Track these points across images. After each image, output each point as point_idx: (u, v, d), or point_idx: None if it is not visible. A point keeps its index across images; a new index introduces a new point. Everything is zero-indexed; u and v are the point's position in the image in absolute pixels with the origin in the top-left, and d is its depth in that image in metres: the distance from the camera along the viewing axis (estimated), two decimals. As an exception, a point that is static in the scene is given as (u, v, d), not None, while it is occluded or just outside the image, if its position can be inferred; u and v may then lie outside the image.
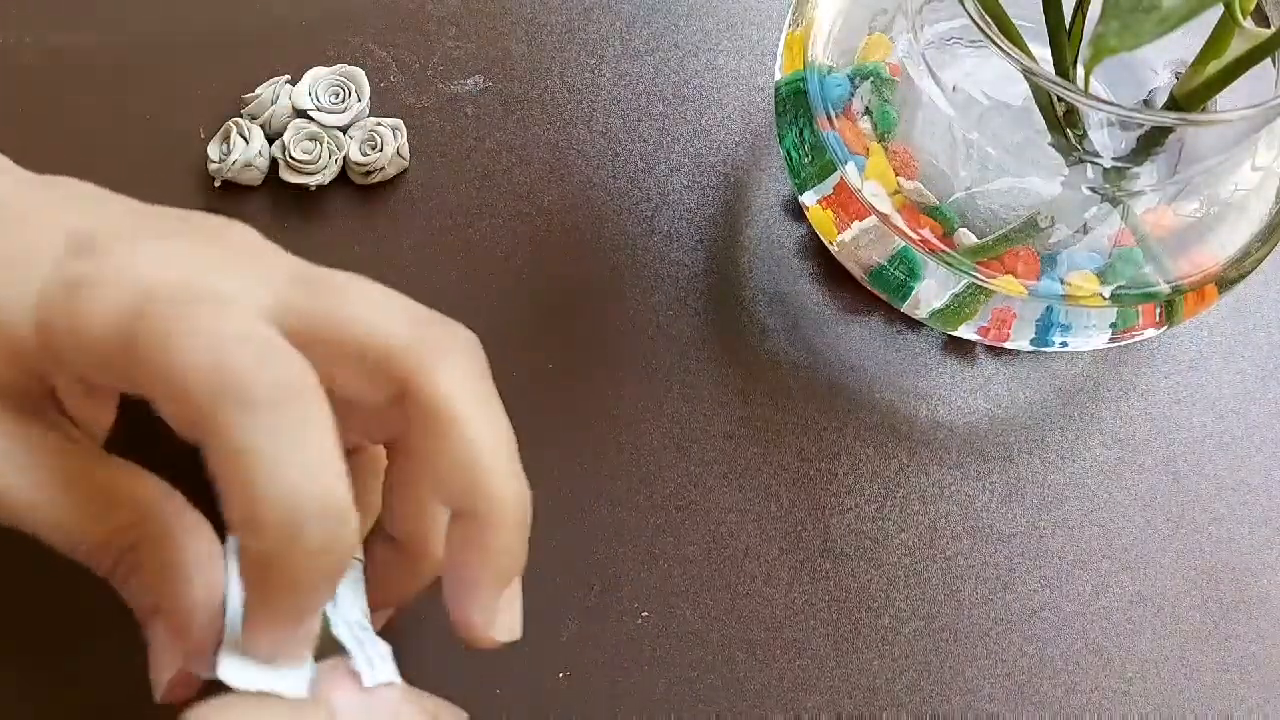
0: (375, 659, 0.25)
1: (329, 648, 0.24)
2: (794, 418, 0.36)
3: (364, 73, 0.38)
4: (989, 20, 0.28)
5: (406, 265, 0.37)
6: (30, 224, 0.25)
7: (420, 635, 0.32)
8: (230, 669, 0.23)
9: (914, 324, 0.37)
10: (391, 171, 0.38)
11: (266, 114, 0.37)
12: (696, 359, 0.36)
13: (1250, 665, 0.34)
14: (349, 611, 0.26)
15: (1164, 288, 0.32)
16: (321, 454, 0.21)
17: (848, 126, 0.32)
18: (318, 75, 0.38)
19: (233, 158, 0.36)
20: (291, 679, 0.23)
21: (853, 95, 0.33)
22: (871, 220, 0.32)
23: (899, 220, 0.32)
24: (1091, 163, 0.31)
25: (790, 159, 0.34)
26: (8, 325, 0.24)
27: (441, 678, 0.32)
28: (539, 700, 0.32)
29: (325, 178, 0.37)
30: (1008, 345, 0.35)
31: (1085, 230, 0.32)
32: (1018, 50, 0.27)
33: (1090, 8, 0.29)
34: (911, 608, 0.34)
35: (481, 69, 0.40)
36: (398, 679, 0.25)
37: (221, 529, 0.24)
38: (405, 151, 0.38)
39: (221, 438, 0.21)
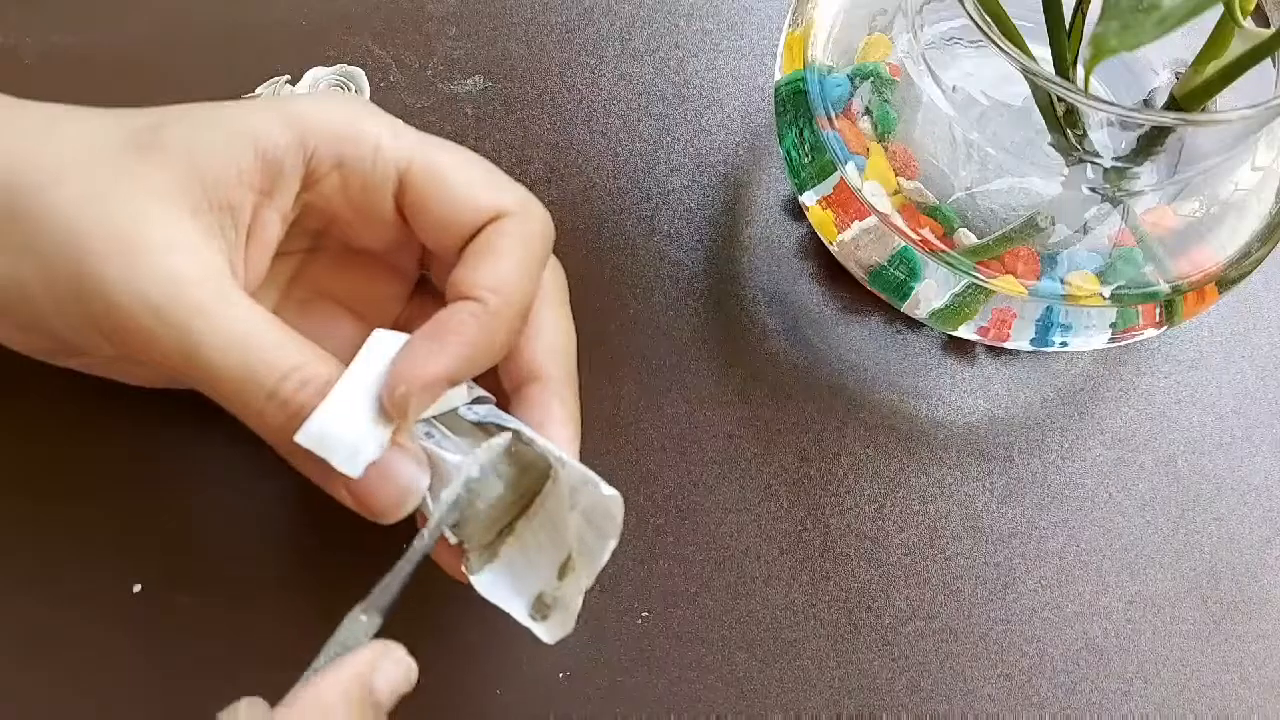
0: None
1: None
2: (794, 418, 0.36)
3: (364, 73, 0.38)
4: (989, 20, 0.28)
5: (406, 265, 0.37)
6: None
7: (420, 637, 0.32)
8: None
9: (914, 324, 0.37)
10: (391, 171, 0.37)
11: (266, 114, 0.37)
12: (696, 359, 0.36)
13: (1250, 665, 0.34)
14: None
15: (1164, 288, 0.31)
16: None
17: (848, 126, 0.32)
18: (318, 75, 0.38)
19: (233, 158, 0.36)
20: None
21: (853, 95, 0.33)
22: (871, 220, 0.32)
23: (899, 220, 0.32)
24: (1092, 163, 0.31)
25: (790, 159, 0.34)
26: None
27: (442, 679, 0.32)
28: (539, 701, 0.32)
29: (325, 178, 0.37)
30: (1008, 345, 0.34)
31: (1085, 230, 0.32)
32: (1018, 50, 0.27)
33: (1090, 7, 0.29)
34: (911, 608, 0.34)
35: (481, 69, 0.40)
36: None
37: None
38: (405, 151, 0.38)
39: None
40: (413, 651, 0.31)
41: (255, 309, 0.27)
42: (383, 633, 0.27)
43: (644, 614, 0.33)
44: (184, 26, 0.40)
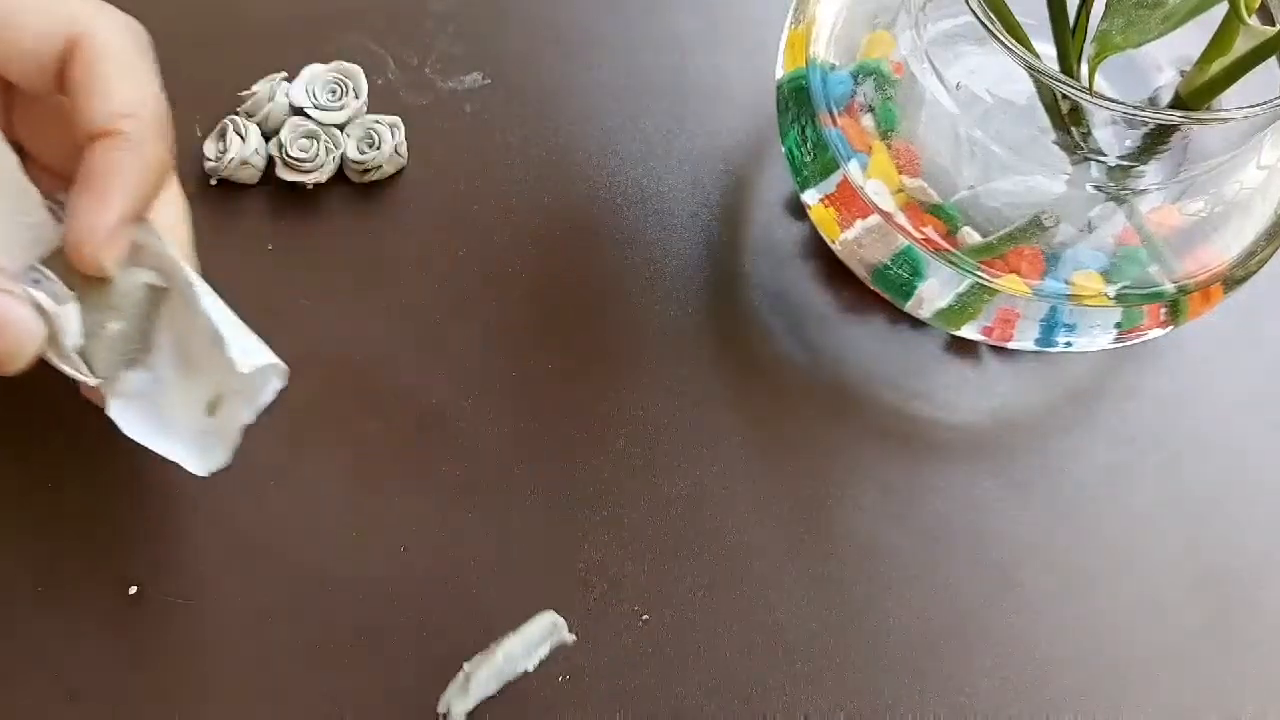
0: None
1: None
2: (794, 418, 0.35)
3: (361, 70, 0.38)
4: (993, 17, 0.28)
5: (404, 264, 0.36)
6: None
7: (419, 639, 0.32)
8: None
9: (917, 324, 0.37)
10: (389, 170, 0.37)
11: (263, 111, 0.37)
12: (697, 359, 0.36)
13: (1254, 669, 0.33)
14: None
15: (1169, 287, 0.31)
16: None
17: (850, 124, 0.32)
18: (315, 72, 0.38)
19: (229, 155, 0.36)
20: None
21: (855, 93, 0.32)
22: (874, 219, 0.32)
23: (902, 219, 0.32)
24: (1096, 161, 0.31)
25: (792, 157, 0.34)
26: None
27: (441, 680, 0.31)
28: (539, 703, 0.31)
29: (322, 176, 0.37)
30: (1012, 345, 0.34)
31: (1090, 229, 0.32)
32: (1022, 47, 0.27)
33: (1094, 4, 0.29)
34: (913, 609, 0.33)
35: (480, 66, 0.40)
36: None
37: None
38: (403, 149, 0.37)
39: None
40: (411, 653, 0.31)
41: None
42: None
43: (644, 616, 0.33)
44: (181, 23, 0.39)
